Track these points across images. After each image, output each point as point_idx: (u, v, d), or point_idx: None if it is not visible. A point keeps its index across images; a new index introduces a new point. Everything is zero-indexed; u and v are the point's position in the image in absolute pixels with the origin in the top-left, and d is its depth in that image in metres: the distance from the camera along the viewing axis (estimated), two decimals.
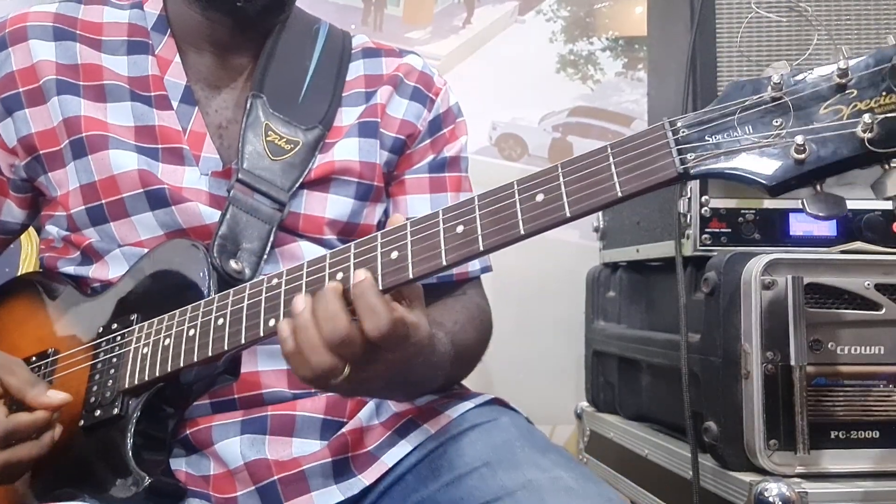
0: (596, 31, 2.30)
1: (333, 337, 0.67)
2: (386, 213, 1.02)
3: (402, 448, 0.87)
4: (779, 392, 1.09)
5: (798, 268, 1.10)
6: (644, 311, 1.55)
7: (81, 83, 0.94)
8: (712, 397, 1.17)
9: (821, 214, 0.62)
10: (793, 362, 1.07)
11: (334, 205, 0.95)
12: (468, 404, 0.91)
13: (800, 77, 0.61)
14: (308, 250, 0.93)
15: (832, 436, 1.10)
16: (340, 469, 0.86)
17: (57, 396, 0.80)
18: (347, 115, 0.98)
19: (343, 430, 0.88)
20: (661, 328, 1.44)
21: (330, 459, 0.86)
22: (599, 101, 2.28)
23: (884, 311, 1.12)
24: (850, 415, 1.11)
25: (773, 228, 1.24)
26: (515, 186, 0.68)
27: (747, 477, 1.09)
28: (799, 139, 0.59)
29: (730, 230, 1.24)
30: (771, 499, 1.04)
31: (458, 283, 1.02)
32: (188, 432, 0.86)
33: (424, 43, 2.26)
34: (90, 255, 0.93)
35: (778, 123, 0.60)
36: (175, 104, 0.94)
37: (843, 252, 1.18)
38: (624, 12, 2.31)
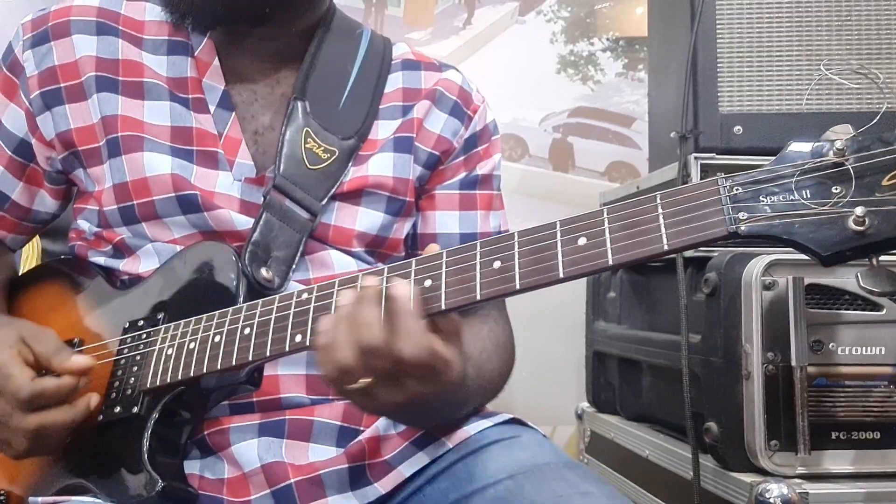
0: (596, 32, 2.30)
1: (363, 342, 0.66)
2: (414, 227, 1.01)
3: (420, 459, 0.86)
4: (779, 393, 1.09)
5: (799, 268, 1.10)
6: (645, 312, 1.55)
7: (120, 79, 0.93)
8: (713, 398, 1.17)
9: (875, 290, 0.60)
10: (793, 363, 1.08)
11: (365, 218, 0.94)
12: (487, 422, 0.90)
13: (863, 143, 0.58)
14: (337, 260, 0.92)
15: (833, 436, 1.11)
16: (356, 476, 0.86)
17: (81, 361, 0.81)
18: (383, 129, 0.97)
19: (360, 437, 0.87)
20: (661, 329, 1.44)
21: (346, 466, 0.85)
22: (600, 101, 2.28)
23: (884, 311, 1.12)
24: (851, 415, 1.11)
25: None
26: (558, 227, 0.66)
27: (748, 477, 1.09)
28: (859, 210, 0.57)
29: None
30: (772, 499, 1.04)
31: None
32: (206, 433, 0.86)
33: (425, 44, 2.26)
34: (122, 250, 0.93)
35: (838, 191, 0.58)
36: (212, 108, 0.93)
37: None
38: (624, 13, 2.31)
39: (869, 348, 1.11)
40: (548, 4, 2.30)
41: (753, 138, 1.33)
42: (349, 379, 0.68)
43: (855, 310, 1.12)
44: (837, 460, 1.10)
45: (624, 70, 2.29)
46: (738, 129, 1.33)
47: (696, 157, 1.32)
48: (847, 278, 1.11)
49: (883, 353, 1.12)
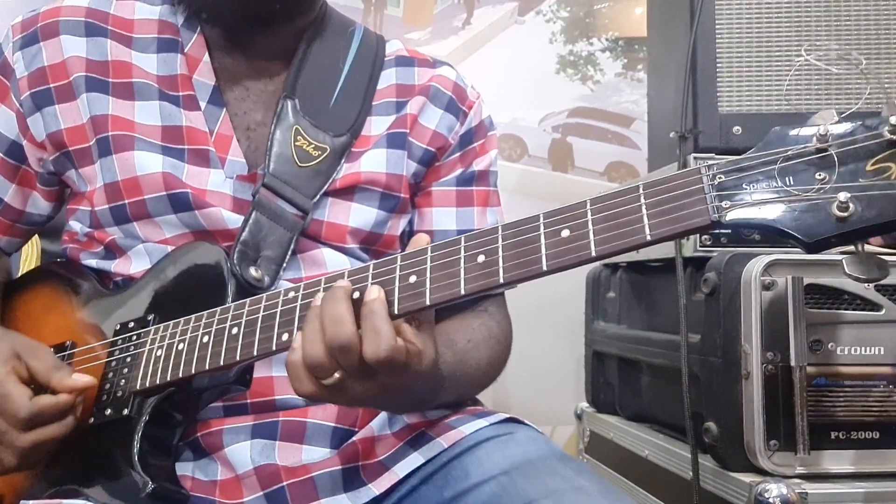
0: (595, 32, 2.30)
1: (334, 339, 0.66)
2: (411, 224, 1.01)
3: (414, 460, 0.86)
4: (779, 392, 1.09)
5: (798, 268, 1.10)
6: (644, 312, 1.55)
7: (110, 80, 0.93)
8: (712, 398, 1.17)
9: (861, 276, 0.59)
10: (793, 363, 1.08)
11: (358, 214, 0.94)
12: (482, 422, 0.89)
13: (847, 129, 0.58)
14: (330, 257, 0.92)
15: (832, 436, 1.11)
16: (350, 477, 0.85)
17: (81, 380, 0.81)
18: (376, 125, 0.97)
19: (353, 438, 0.87)
20: (661, 329, 1.44)
21: (339, 467, 0.85)
22: (599, 101, 2.28)
23: (884, 311, 1.12)
24: (851, 415, 1.11)
25: None
26: (541, 219, 0.66)
27: (747, 477, 1.09)
28: (842, 196, 0.56)
29: (729, 231, 1.25)
30: (771, 499, 1.04)
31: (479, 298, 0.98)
32: (199, 435, 0.85)
33: (424, 44, 2.26)
34: (113, 251, 0.93)
35: (821, 177, 0.57)
36: (203, 105, 0.93)
37: (842, 253, 1.18)
38: (624, 13, 2.31)
39: (868, 348, 1.11)
40: (547, 4, 2.30)
41: (753, 138, 1.32)
42: (321, 373, 0.68)
43: (854, 310, 1.12)
44: (837, 460, 1.10)
45: (623, 70, 2.29)
46: (737, 129, 1.33)
47: (695, 158, 1.32)
48: (846, 278, 1.11)
49: (882, 352, 1.11)
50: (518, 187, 2.20)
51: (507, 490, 0.78)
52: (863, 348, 1.11)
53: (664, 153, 1.54)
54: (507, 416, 0.92)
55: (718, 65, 1.35)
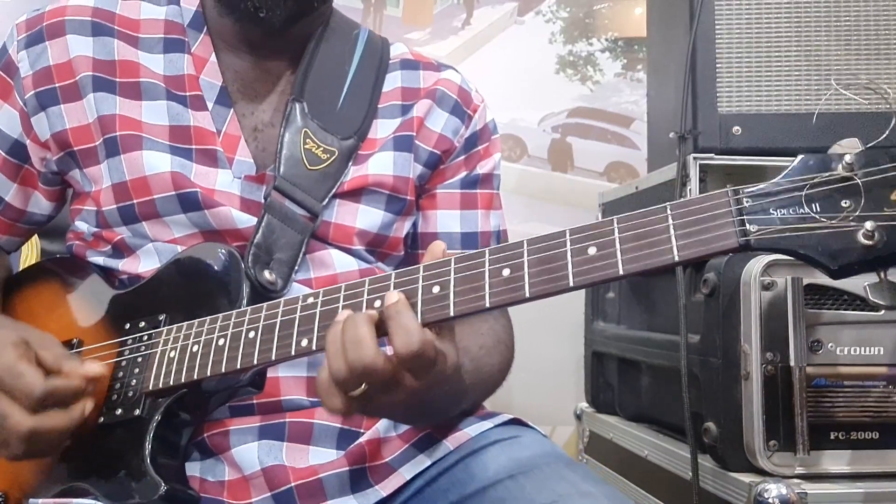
0: (595, 32, 2.30)
1: (356, 362, 0.66)
2: (415, 226, 1.01)
3: (421, 462, 0.86)
4: (778, 393, 1.09)
5: (797, 268, 1.10)
6: (644, 312, 1.55)
7: (118, 80, 0.93)
8: (712, 398, 1.17)
9: (883, 303, 0.61)
10: (792, 363, 1.08)
11: (365, 216, 0.94)
12: (488, 423, 0.90)
13: (872, 158, 0.59)
14: (338, 258, 0.92)
15: (832, 437, 1.11)
16: (357, 479, 0.85)
17: (94, 368, 0.80)
18: (383, 128, 0.97)
19: (360, 440, 0.87)
20: (660, 329, 1.44)
21: (347, 469, 0.85)
22: (599, 101, 2.28)
23: (882, 311, 1.12)
24: (850, 416, 1.11)
25: None
26: (567, 236, 0.66)
27: (747, 478, 1.09)
28: (868, 225, 0.58)
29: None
30: (770, 500, 1.04)
31: None
32: (205, 435, 0.85)
33: (424, 44, 2.26)
34: (121, 250, 0.93)
35: (847, 205, 0.59)
36: (210, 105, 0.93)
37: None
38: (623, 13, 2.31)
39: (867, 348, 1.11)
40: (547, 5, 2.30)
41: (752, 139, 1.33)
42: (347, 388, 0.68)
43: (853, 310, 1.12)
44: (836, 460, 1.10)
45: (623, 70, 2.29)
46: (736, 129, 1.33)
47: (694, 158, 1.32)
48: (846, 279, 1.11)
49: (881, 353, 1.11)
50: (517, 187, 2.20)
51: (514, 494, 0.78)
52: (862, 348, 1.11)
53: (664, 153, 1.54)
54: (511, 417, 0.92)
55: (718, 65, 1.35)
